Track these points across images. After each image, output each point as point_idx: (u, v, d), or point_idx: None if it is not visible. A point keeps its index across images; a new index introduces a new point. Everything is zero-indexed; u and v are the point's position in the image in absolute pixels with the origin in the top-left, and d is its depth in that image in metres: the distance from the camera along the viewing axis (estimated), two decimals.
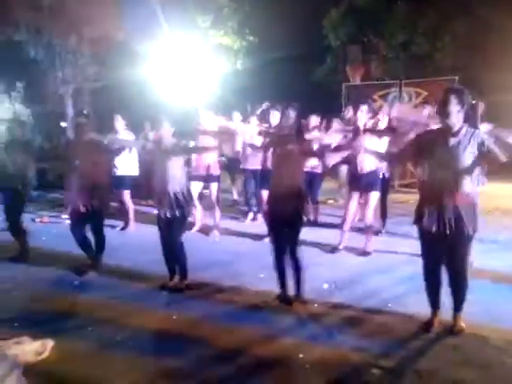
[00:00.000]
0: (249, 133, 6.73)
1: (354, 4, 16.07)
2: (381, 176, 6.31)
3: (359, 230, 6.67)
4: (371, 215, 6.09)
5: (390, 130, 5.73)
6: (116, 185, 7.23)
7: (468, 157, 3.55)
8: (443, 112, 3.60)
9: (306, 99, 6.89)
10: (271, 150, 4.72)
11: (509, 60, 12.86)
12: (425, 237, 3.85)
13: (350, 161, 6.05)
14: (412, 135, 4.45)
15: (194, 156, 6.87)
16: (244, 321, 4.14)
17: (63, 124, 13.95)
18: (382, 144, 5.74)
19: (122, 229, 7.48)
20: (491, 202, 8.66)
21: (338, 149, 5.18)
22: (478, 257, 5.25)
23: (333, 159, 5.06)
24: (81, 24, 12.17)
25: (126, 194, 7.47)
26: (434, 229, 3.68)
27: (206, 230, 7.20)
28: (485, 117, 5.63)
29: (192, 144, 5.94)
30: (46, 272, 5.44)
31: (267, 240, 6.18)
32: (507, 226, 7.43)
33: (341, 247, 6.20)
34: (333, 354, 3.56)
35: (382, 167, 6.42)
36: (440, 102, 3.67)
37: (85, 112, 5.63)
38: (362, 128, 5.83)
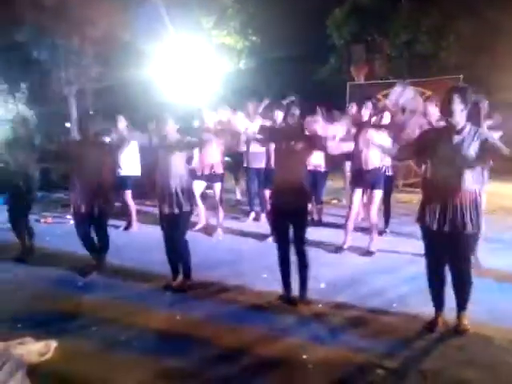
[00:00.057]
0: (253, 130, 6.71)
1: (358, 3, 16.05)
2: (385, 174, 6.30)
3: (363, 229, 6.66)
4: (376, 214, 6.07)
5: (392, 124, 5.71)
6: (119, 185, 7.24)
7: (472, 154, 3.54)
8: (447, 111, 3.60)
9: (310, 99, 6.86)
10: (274, 147, 4.72)
11: None
12: (428, 235, 3.85)
13: (355, 156, 6.03)
14: (411, 126, 4.45)
15: (197, 155, 6.86)
16: (247, 321, 4.13)
17: (67, 124, 13.98)
18: (385, 140, 5.73)
19: (125, 229, 7.49)
20: (495, 202, 8.62)
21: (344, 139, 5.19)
22: (482, 256, 5.25)
23: (337, 148, 5.02)
24: (84, 24, 12.18)
25: (128, 194, 7.48)
26: (435, 226, 3.67)
27: (209, 230, 7.20)
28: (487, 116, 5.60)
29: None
30: (49, 272, 5.45)
31: (270, 240, 6.21)
32: (511, 226, 7.39)
33: (345, 247, 6.19)
34: (336, 354, 3.56)
35: (386, 165, 6.41)
36: (443, 100, 3.67)
37: (89, 112, 5.64)
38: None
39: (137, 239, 6.93)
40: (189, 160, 5.14)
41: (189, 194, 4.86)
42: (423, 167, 3.97)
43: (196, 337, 3.86)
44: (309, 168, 6.03)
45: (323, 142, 4.61)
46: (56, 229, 7.56)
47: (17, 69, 12.63)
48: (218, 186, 7.08)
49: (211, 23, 15.72)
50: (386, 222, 7.09)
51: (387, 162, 6.41)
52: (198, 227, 7.26)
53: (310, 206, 5.29)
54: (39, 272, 5.47)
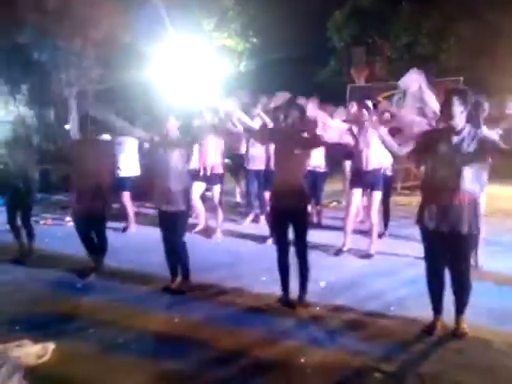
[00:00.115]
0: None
1: (358, 5, 16.06)
2: (385, 174, 6.28)
3: (362, 232, 6.65)
4: (376, 215, 6.06)
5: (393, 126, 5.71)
6: (117, 186, 7.27)
7: (471, 153, 3.56)
8: (447, 113, 3.61)
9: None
10: (274, 148, 4.72)
11: None
12: (427, 237, 3.85)
13: (355, 156, 6.02)
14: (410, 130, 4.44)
15: (196, 155, 6.83)
16: (246, 323, 4.13)
17: (67, 126, 13.98)
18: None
19: (124, 230, 7.49)
20: (494, 204, 8.60)
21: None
22: (481, 259, 5.24)
23: (334, 133, 5.02)
24: (85, 26, 12.18)
25: (126, 196, 7.48)
26: (434, 226, 3.67)
27: (208, 232, 7.19)
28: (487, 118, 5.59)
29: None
30: (47, 274, 5.45)
31: (270, 242, 6.20)
32: (510, 228, 7.39)
33: (345, 249, 6.17)
34: (334, 357, 3.55)
35: (386, 166, 6.40)
36: (443, 103, 3.69)
37: (90, 114, 5.64)
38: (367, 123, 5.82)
39: (135, 241, 6.93)
40: (188, 158, 5.14)
41: (186, 193, 4.86)
42: (422, 168, 3.97)
43: (194, 339, 3.86)
44: (308, 168, 6.03)
45: (322, 139, 4.63)
46: (55, 231, 7.56)
47: (17, 70, 12.63)
48: (217, 187, 7.06)
49: (212, 25, 15.72)
50: (386, 224, 7.08)
51: (387, 162, 6.41)
52: (197, 229, 7.26)
53: (309, 207, 5.29)
54: (38, 274, 5.47)
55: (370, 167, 5.88)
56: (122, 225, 7.53)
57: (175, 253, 4.90)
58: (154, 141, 4.98)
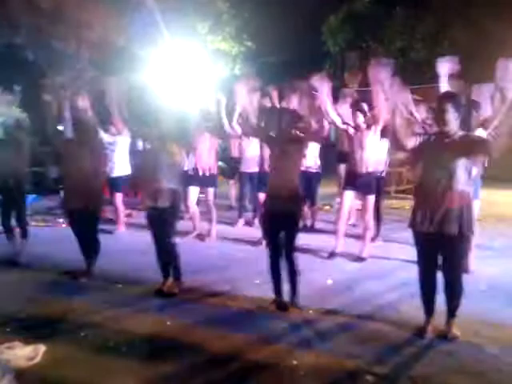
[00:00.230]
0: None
1: (353, 10, 16.15)
2: (377, 176, 6.31)
3: (354, 236, 6.66)
4: (370, 219, 6.07)
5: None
6: (110, 186, 7.29)
7: (463, 157, 3.59)
8: (441, 120, 3.65)
9: None
10: (269, 150, 4.73)
11: None
12: (420, 240, 3.86)
13: (350, 158, 6.04)
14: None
15: (191, 158, 6.82)
16: (238, 326, 4.11)
17: (60, 128, 13.93)
18: (381, 143, 5.80)
19: (115, 232, 7.45)
20: (486, 209, 8.64)
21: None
22: (473, 263, 5.26)
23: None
24: (80, 28, 12.18)
25: (118, 197, 7.47)
26: (426, 228, 3.68)
27: (201, 236, 7.17)
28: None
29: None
30: (39, 276, 5.41)
31: (263, 245, 6.20)
32: (502, 233, 7.43)
33: (337, 251, 6.16)
34: (327, 360, 3.54)
35: (380, 169, 6.43)
36: (437, 110, 3.71)
37: (83, 115, 5.64)
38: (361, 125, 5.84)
39: (126, 243, 6.90)
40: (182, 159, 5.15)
41: (174, 192, 4.82)
42: (415, 171, 3.99)
43: (186, 342, 3.84)
44: (302, 169, 6.04)
45: (315, 132, 4.67)
46: (47, 232, 7.52)
47: (11, 71, 12.59)
48: (210, 190, 7.05)
49: (206, 28, 15.74)
50: (378, 228, 7.09)
51: (381, 166, 6.43)
52: (192, 235, 7.19)
53: (305, 209, 5.29)
54: (28, 276, 5.43)
55: (365, 170, 5.89)
56: (114, 227, 7.51)
57: (166, 253, 4.88)
58: (148, 134, 5.00)
